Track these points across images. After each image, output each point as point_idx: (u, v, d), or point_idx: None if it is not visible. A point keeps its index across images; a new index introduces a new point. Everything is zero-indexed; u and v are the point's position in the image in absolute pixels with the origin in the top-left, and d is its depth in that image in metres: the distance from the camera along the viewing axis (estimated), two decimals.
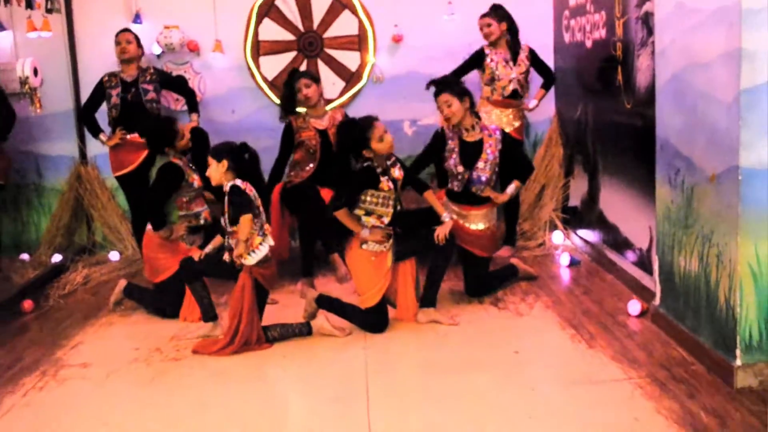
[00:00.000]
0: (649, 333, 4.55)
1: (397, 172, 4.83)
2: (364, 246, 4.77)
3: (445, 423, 3.59)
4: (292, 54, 7.03)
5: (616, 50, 5.40)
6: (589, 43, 6.01)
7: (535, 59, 6.34)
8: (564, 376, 4.05)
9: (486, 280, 5.44)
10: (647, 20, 4.75)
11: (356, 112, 6.93)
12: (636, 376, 3.97)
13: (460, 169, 5.20)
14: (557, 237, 6.64)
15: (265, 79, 7.02)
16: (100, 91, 6.35)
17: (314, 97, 5.84)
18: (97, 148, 6.97)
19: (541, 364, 4.24)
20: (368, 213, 4.74)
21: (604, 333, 4.60)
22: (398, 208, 4.83)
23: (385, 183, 4.71)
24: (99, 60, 6.83)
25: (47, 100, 6.72)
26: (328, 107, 6.36)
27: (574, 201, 6.68)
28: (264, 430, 3.66)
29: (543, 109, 6.74)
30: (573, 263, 6.07)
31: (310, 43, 7.02)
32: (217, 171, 4.54)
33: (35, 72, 6.32)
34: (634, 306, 4.86)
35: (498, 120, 6.22)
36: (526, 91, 6.36)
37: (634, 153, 5.17)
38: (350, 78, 7.08)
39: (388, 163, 4.80)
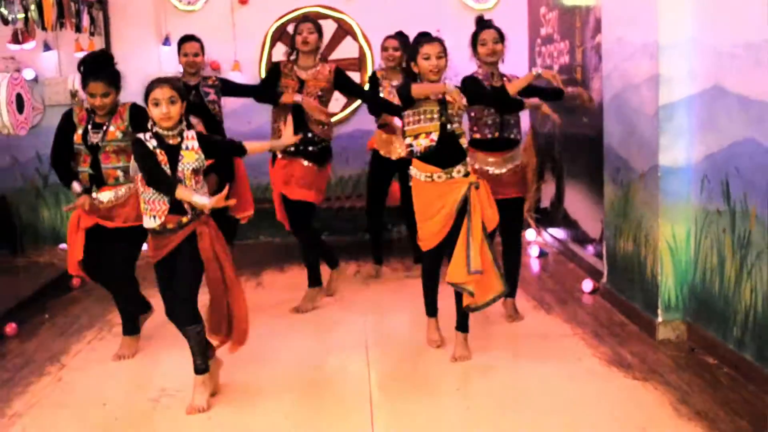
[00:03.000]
0: (597, 304, 5.58)
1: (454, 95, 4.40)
2: (413, 172, 4.59)
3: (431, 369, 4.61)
4: None
5: (576, 73, 6.45)
6: (556, 67, 7.05)
7: None
8: (524, 332, 5.07)
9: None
10: (598, 49, 5.79)
11: (358, 124, 8.11)
12: (581, 333, 4.99)
13: (492, 112, 4.99)
14: (530, 234, 7.65)
15: None
16: None
17: (312, 43, 5.58)
18: None
19: (507, 325, 5.23)
20: (416, 136, 4.49)
21: (561, 305, 5.63)
22: (449, 127, 4.44)
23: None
24: (133, 76, 7.76)
25: None
26: (334, 118, 7.13)
27: (545, 203, 7.71)
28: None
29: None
30: (542, 254, 7.11)
31: None
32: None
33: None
34: (587, 284, 5.89)
35: (395, 141, 6.29)
36: None
37: (590, 159, 6.18)
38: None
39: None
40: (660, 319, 4.77)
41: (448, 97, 4.41)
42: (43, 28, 6.61)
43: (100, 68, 4.69)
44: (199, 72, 6.18)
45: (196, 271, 4.03)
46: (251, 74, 8.05)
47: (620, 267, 5.33)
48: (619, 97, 5.20)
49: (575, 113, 6.44)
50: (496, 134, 5.01)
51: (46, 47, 7.86)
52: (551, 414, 3.85)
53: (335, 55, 8.08)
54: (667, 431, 3.60)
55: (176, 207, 3.97)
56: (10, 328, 5.39)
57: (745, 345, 4.11)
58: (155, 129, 3.99)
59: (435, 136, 4.44)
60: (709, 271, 4.48)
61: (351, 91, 6.25)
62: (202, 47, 6.21)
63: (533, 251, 7.12)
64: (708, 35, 4.36)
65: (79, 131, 4.74)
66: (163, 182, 3.92)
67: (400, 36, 6.33)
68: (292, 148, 5.43)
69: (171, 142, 3.99)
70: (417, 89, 4.43)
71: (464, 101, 4.44)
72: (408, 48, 5.85)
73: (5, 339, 5.30)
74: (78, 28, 7.27)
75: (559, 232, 7.27)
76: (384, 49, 6.37)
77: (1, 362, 4.89)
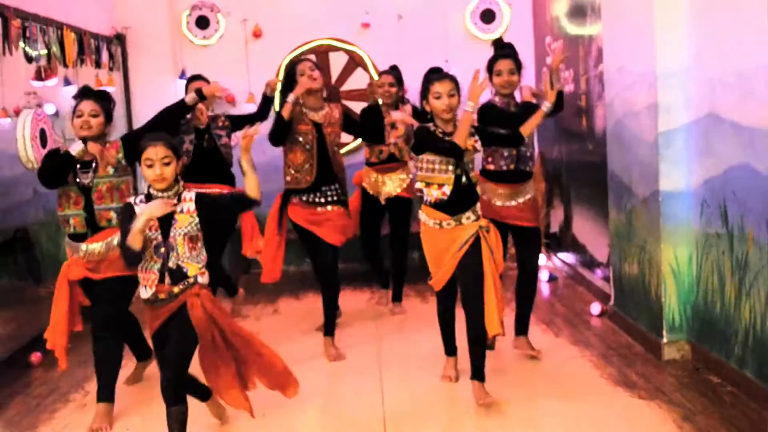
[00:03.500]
0: (604, 326, 5.70)
1: (468, 141, 4.28)
2: (422, 217, 4.46)
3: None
4: None
5: (581, 101, 6.62)
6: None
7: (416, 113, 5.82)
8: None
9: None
10: (601, 78, 5.96)
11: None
12: (588, 354, 5.12)
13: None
14: (540, 259, 7.77)
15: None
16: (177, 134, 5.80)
17: (318, 83, 5.26)
18: None
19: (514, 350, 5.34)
20: (428, 184, 4.35)
21: (570, 327, 5.76)
22: (463, 179, 4.31)
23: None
24: (150, 109, 8.02)
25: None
26: (343, 150, 7.29)
27: (554, 227, 7.85)
28: None
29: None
30: (551, 279, 7.25)
31: (329, 96, 8.25)
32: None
33: None
34: (595, 307, 6.01)
35: (382, 185, 6.30)
36: (406, 155, 6.25)
37: (596, 185, 6.32)
38: None
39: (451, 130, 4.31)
40: (665, 339, 4.89)
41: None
42: (65, 65, 6.87)
43: (90, 92, 4.64)
44: (207, 109, 6.11)
45: (187, 344, 3.72)
46: None
47: (626, 290, 5.46)
48: (621, 124, 5.36)
49: (581, 139, 6.60)
50: (512, 166, 4.92)
51: (67, 82, 8.08)
52: None
53: (347, 86, 8.30)
54: None
55: (171, 276, 3.68)
56: (35, 357, 5.58)
57: (746, 363, 4.23)
58: (149, 190, 3.74)
59: (447, 189, 4.30)
60: (710, 292, 4.61)
61: (355, 129, 6.08)
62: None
63: (543, 275, 7.25)
64: (702, 65, 4.53)
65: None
66: (122, 246, 3.68)
67: (394, 70, 6.31)
68: (321, 198, 5.32)
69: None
70: (459, 138, 4.21)
71: (478, 145, 4.37)
72: (401, 82, 6.24)
73: (31, 368, 5.49)
74: (98, 64, 7.53)
75: (568, 257, 7.41)
76: (380, 86, 6.28)
77: (27, 390, 5.07)
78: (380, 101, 6.25)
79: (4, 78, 6.85)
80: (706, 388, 4.42)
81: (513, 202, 4.96)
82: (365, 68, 8.31)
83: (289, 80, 5.31)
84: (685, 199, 4.76)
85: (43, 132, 6.38)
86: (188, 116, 5.74)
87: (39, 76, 6.89)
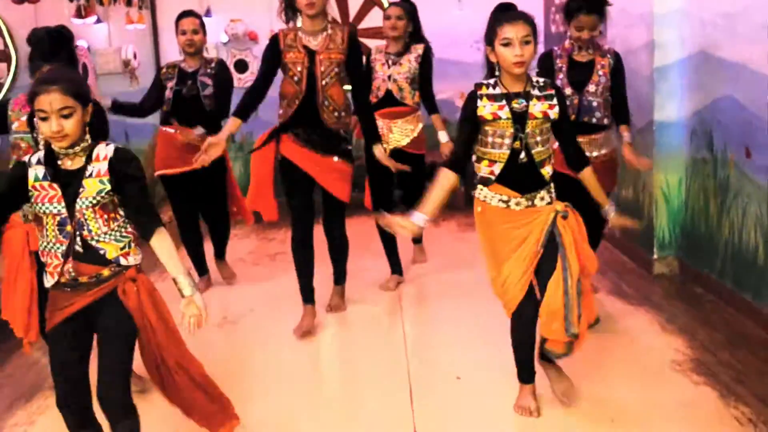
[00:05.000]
0: (602, 245, 6.20)
1: (536, 106, 3.28)
2: (480, 194, 3.41)
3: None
4: None
5: None
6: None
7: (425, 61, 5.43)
8: None
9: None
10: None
11: None
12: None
13: (568, 91, 4.38)
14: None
15: None
16: (158, 85, 5.42)
17: (318, 4, 4.35)
18: None
19: None
20: (479, 157, 3.40)
21: None
22: (522, 155, 3.28)
23: (488, 107, 3.28)
24: (177, 44, 8.55)
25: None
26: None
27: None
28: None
29: None
30: None
31: None
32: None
33: (135, 56, 8.04)
34: None
35: (388, 133, 5.37)
36: (408, 97, 5.41)
37: None
38: None
39: (525, 90, 3.30)
40: (655, 256, 5.44)
41: None
42: (101, 3, 7.33)
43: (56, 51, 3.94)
44: (200, 53, 5.38)
45: (128, 339, 2.86)
46: None
47: (622, 212, 5.94)
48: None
49: None
50: (572, 117, 4.28)
51: (98, 20, 8.55)
52: None
53: (364, 24, 8.73)
54: (654, 342, 4.28)
55: (87, 255, 2.80)
56: None
57: (726, 274, 4.77)
58: (50, 147, 2.79)
59: (498, 168, 3.31)
60: (697, 212, 5.14)
61: (354, 76, 4.64)
62: (202, 24, 5.44)
63: None
64: (694, 6, 4.99)
65: (23, 117, 3.85)
66: None
67: (406, 2, 5.47)
68: (314, 137, 4.50)
69: (69, 165, 2.79)
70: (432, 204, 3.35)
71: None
72: (414, 17, 5.40)
73: None
74: (129, 2, 7.98)
75: None
76: (386, 17, 5.43)
77: None
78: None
79: (44, 16, 7.31)
80: (690, 297, 4.97)
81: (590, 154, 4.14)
82: (381, 7, 8.72)
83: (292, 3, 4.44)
84: (676, 128, 5.26)
85: (84, 66, 6.86)
86: (179, 60, 5.41)
87: (79, 14, 7.35)
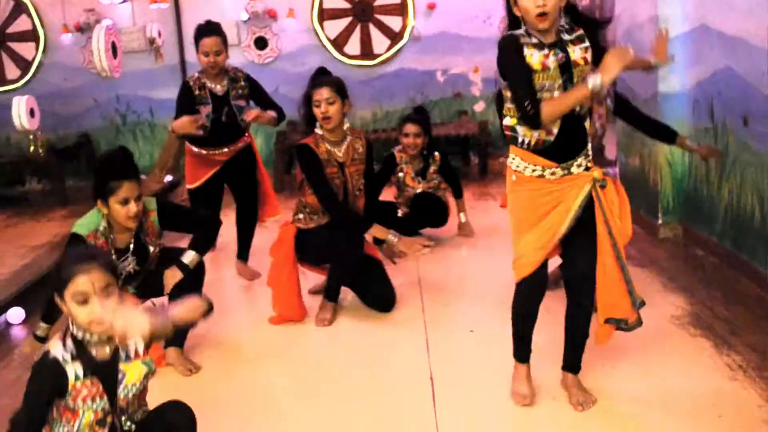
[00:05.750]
0: None
1: (576, 52, 3.03)
2: (513, 163, 3.19)
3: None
4: (349, 19, 8.97)
5: (596, 14, 7.29)
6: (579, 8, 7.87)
7: (444, 167, 6.07)
8: None
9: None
10: None
11: (399, 64, 9.00)
12: None
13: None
14: None
15: (328, 38, 8.98)
16: (189, 103, 5.15)
17: (335, 118, 4.38)
18: None
19: None
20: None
21: None
22: (577, 108, 3.04)
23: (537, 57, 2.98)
24: (198, 22, 8.79)
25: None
26: (377, 60, 7.98)
27: None
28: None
29: None
30: None
31: (363, 10, 8.94)
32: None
33: (159, 34, 8.33)
34: None
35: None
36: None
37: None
38: (394, 37, 9.01)
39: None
40: (660, 221, 5.71)
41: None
42: None
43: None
44: (224, 70, 5.19)
45: None
46: (304, 21, 8.97)
47: (630, 180, 6.25)
48: (628, 33, 6.08)
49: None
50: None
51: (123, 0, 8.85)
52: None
53: (380, 1, 8.98)
54: (655, 299, 4.54)
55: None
56: None
57: (725, 236, 5.04)
58: (78, 334, 2.50)
59: (554, 127, 3.05)
60: (699, 179, 5.40)
61: (368, 179, 4.67)
62: (224, 41, 5.15)
63: None
64: None
65: None
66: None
67: (420, 113, 6.03)
68: None
69: (101, 354, 2.53)
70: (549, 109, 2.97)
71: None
72: (429, 130, 5.91)
73: None
74: None
75: None
76: (405, 135, 5.88)
77: None
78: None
79: None
80: (692, 258, 5.25)
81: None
82: None
83: (307, 103, 4.45)
84: (679, 99, 5.51)
85: (113, 44, 7.16)
86: (202, 77, 5.17)
87: None
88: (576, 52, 3.03)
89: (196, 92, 5.13)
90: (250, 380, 3.89)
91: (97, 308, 2.41)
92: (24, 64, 9.16)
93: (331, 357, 4.14)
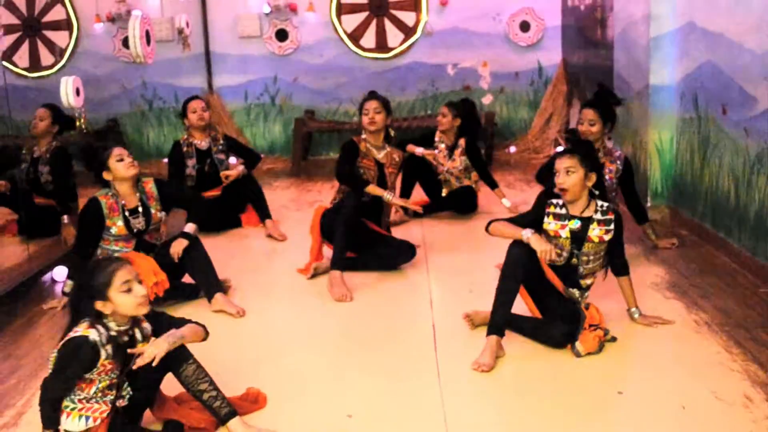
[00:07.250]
0: None
1: (595, 231, 3.85)
2: None
3: None
4: (365, 13, 9.47)
5: (597, 13, 7.77)
6: (582, 7, 8.35)
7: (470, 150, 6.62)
8: None
9: None
10: None
11: (412, 58, 9.49)
12: None
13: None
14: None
15: (345, 32, 9.48)
16: (179, 161, 6.46)
17: (379, 123, 5.25)
18: (221, 81, 9.55)
19: None
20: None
21: None
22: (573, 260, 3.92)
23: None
24: (223, 14, 9.37)
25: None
26: (391, 53, 8.51)
27: (573, 124, 9.05)
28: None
29: (552, 54, 9.18)
30: None
31: (379, 5, 9.44)
32: None
33: (187, 24, 8.84)
34: None
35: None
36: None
37: (606, 83, 7.50)
38: (408, 32, 9.50)
39: None
40: (649, 204, 6.19)
41: None
42: None
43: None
44: (207, 126, 6.55)
45: None
46: (323, 14, 9.47)
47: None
48: (624, 31, 6.56)
49: (596, 46, 7.78)
50: None
51: None
52: None
53: None
54: (638, 270, 4.99)
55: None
56: None
57: (706, 216, 5.52)
58: (109, 324, 2.99)
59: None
60: (684, 165, 5.88)
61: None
62: (207, 103, 6.80)
63: None
64: None
65: (119, 222, 4.54)
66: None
67: (463, 103, 6.70)
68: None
69: (121, 340, 3.03)
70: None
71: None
72: (464, 115, 6.56)
73: None
74: None
75: None
76: (443, 115, 6.63)
77: None
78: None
79: None
80: (676, 237, 5.71)
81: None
82: None
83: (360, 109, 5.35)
84: (668, 91, 5.99)
85: (147, 33, 7.67)
86: (186, 137, 6.52)
87: None
88: (595, 231, 3.81)
89: (185, 149, 6.43)
90: (259, 322, 4.48)
91: (141, 290, 2.99)
92: (58, 51, 9.69)
93: (343, 308, 4.65)
